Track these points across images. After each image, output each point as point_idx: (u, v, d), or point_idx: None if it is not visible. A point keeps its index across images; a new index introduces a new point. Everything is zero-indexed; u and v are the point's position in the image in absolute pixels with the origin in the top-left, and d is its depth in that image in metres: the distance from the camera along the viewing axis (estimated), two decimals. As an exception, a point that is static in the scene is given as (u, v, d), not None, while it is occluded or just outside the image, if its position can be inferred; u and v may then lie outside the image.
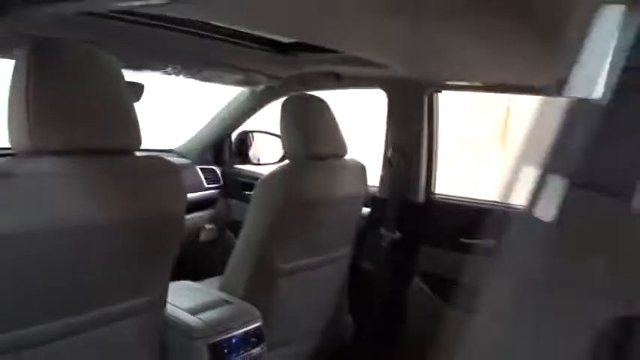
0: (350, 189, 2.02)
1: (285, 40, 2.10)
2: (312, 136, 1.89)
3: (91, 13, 1.42)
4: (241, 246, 1.86)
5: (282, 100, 1.96)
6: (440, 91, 2.21)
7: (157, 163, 1.29)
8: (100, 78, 1.17)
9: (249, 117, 2.74)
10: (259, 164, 2.84)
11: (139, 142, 1.22)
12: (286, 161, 1.96)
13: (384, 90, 2.26)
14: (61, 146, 1.09)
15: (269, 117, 2.72)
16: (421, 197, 2.29)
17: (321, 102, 1.97)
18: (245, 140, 2.79)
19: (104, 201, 1.14)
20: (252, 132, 2.80)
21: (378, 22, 1.28)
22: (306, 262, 1.92)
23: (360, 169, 2.09)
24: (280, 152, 2.73)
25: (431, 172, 2.31)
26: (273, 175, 1.82)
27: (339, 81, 2.27)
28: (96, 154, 1.14)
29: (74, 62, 1.14)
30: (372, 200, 2.34)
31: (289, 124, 1.89)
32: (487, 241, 2.27)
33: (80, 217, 1.10)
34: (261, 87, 2.46)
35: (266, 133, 2.81)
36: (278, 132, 2.63)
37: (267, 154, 2.84)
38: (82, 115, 1.12)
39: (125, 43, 1.40)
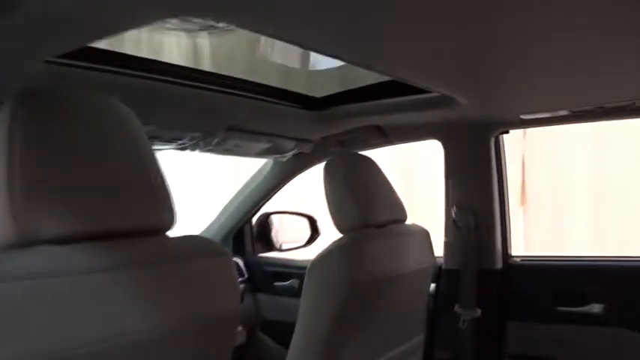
0: (417, 261, 1.64)
1: (317, 94, 1.80)
2: (367, 200, 1.54)
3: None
4: (297, 347, 1.45)
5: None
6: (507, 132, 1.86)
7: (200, 243, 0.92)
8: (116, 133, 0.83)
9: (272, 195, 2.37)
10: (286, 249, 2.45)
11: (174, 218, 0.87)
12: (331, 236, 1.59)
13: (440, 139, 1.91)
14: (61, 231, 0.73)
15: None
16: (499, 263, 1.90)
17: (370, 160, 1.64)
18: (267, 224, 2.38)
19: (137, 305, 0.76)
20: (273, 213, 2.42)
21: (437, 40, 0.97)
22: None
23: (425, 235, 1.72)
24: (308, 233, 2.38)
25: (506, 230, 1.92)
26: (328, 254, 1.44)
27: (384, 136, 1.93)
28: (115, 239, 0.78)
29: (79, 113, 0.81)
30: (439, 273, 1.94)
31: (338, 188, 1.54)
32: (594, 306, 1.84)
33: (100, 333, 0.72)
34: (288, 155, 2.12)
35: (289, 213, 2.44)
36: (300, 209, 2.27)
37: (293, 236, 2.46)
38: (91, 185, 0.77)
39: (135, 101, 1.04)
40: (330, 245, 1.49)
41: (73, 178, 0.75)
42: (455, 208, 1.91)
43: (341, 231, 1.57)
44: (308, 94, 1.79)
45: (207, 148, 1.69)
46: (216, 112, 1.60)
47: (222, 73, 1.49)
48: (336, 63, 1.66)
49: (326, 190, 1.58)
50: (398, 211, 1.62)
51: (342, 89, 1.81)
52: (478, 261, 1.88)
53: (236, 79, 1.55)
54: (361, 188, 1.55)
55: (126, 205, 0.79)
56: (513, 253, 1.95)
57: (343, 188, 1.53)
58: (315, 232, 2.38)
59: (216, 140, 1.66)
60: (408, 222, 1.66)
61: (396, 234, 1.60)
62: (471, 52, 1.16)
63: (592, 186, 3.61)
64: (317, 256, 1.46)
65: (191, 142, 1.63)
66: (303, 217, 2.38)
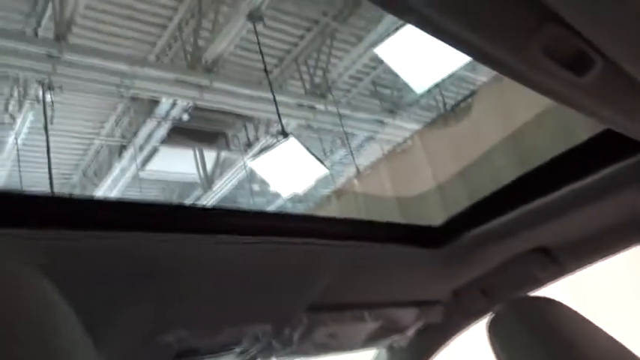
0: None
1: (433, 220, 1.14)
2: None
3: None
4: None
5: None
6: None
7: None
8: None
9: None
10: None
11: None
12: None
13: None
14: None
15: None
16: None
17: (560, 305, 0.95)
18: None
19: None
20: None
21: None
22: None
23: None
24: None
25: None
26: None
27: (554, 262, 1.19)
28: None
29: None
30: None
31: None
32: None
33: None
34: (409, 334, 1.37)
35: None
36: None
37: None
38: None
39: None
40: None
41: None
42: None
43: None
44: (421, 224, 1.14)
45: (282, 353, 0.99)
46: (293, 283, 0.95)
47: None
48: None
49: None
50: None
51: (470, 204, 1.16)
52: None
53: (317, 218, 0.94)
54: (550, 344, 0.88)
55: None
56: None
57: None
58: None
59: (297, 334, 0.97)
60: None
61: None
62: None
63: None
64: None
65: (255, 348, 0.94)
66: None
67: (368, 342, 1.24)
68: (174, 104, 6.38)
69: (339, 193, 5.73)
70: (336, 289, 1.03)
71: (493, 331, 1.02)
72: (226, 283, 0.87)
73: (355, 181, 5.63)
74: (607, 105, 0.75)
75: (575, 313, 1.03)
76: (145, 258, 0.75)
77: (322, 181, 6.93)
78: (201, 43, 5.96)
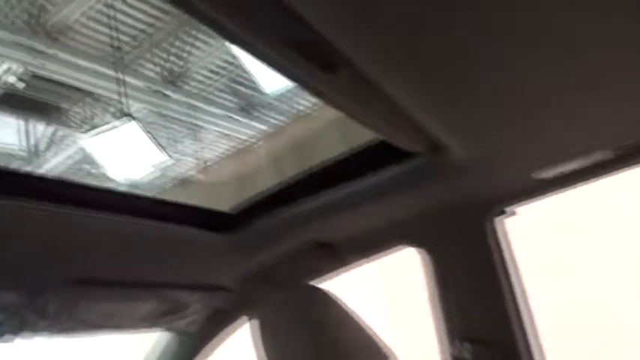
0: None
1: (225, 206, 1.16)
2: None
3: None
4: None
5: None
6: (505, 212, 1.27)
7: None
8: None
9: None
10: None
11: None
12: None
13: (420, 242, 1.28)
14: None
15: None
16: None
17: (327, 295, 1.04)
18: None
19: None
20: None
21: None
22: None
23: None
24: None
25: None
26: None
27: (334, 255, 1.28)
28: None
29: None
30: None
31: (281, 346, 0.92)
32: None
33: None
34: (190, 320, 1.37)
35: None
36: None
37: None
38: None
39: None
40: None
41: None
42: (452, 339, 1.25)
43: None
44: (213, 208, 1.17)
45: (38, 327, 0.94)
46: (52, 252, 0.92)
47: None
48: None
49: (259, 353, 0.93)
50: None
51: (260, 193, 1.20)
52: None
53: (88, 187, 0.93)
54: (316, 338, 0.94)
55: None
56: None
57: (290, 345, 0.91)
58: None
59: (53, 306, 0.93)
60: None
61: None
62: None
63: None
64: None
65: (4, 317, 0.89)
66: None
67: (147, 322, 1.22)
68: (8, 69, 5.81)
69: (181, 184, 5.62)
70: (108, 264, 1.01)
71: (261, 320, 1.04)
72: None
73: (199, 175, 5.57)
74: (363, 109, 0.83)
75: (341, 305, 1.10)
76: None
77: (167, 171, 6.73)
78: (49, 7, 5.51)
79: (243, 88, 7.88)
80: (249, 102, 7.95)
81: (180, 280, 1.20)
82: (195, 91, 7.14)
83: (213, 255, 1.21)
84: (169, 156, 5.58)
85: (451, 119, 0.88)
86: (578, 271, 2.90)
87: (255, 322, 0.98)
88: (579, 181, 1.15)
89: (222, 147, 7.54)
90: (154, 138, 5.34)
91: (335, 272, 1.35)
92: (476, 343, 1.22)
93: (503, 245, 1.29)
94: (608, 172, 1.17)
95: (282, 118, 8.11)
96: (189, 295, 1.23)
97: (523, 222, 1.31)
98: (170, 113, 6.94)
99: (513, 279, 1.28)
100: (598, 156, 1.05)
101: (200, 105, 6.90)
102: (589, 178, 1.16)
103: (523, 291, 1.30)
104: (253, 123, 7.61)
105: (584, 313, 2.89)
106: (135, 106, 6.30)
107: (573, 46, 0.74)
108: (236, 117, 7.51)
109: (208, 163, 6.04)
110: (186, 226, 1.14)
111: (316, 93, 0.77)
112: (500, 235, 1.29)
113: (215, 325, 1.37)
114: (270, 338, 1.01)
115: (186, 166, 7.59)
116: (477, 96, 0.83)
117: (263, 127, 7.30)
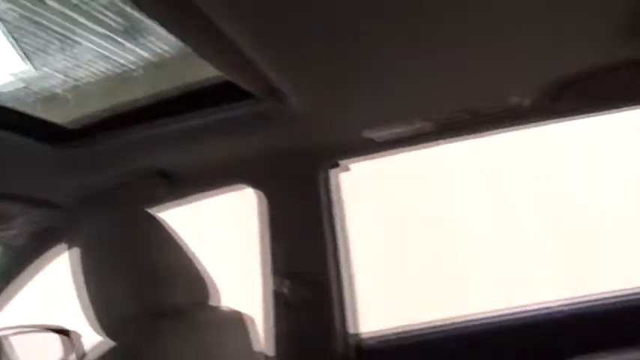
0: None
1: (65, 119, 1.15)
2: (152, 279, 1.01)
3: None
4: None
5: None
6: (338, 165, 1.38)
7: None
8: None
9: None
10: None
11: None
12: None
13: (255, 183, 1.34)
14: None
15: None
16: (344, 348, 1.36)
17: (148, 216, 1.07)
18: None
19: None
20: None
21: None
22: None
23: (246, 324, 1.15)
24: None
25: (346, 303, 1.40)
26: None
27: (170, 185, 1.31)
28: None
29: None
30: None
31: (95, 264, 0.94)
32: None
33: None
34: (15, 232, 1.35)
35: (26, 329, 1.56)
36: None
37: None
38: None
39: None
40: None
41: None
42: (281, 278, 1.35)
43: (106, 331, 0.92)
44: (50, 119, 1.14)
45: None
46: None
47: None
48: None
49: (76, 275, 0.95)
50: (200, 290, 1.04)
51: (105, 112, 1.20)
52: (319, 348, 1.33)
53: None
54: (137, 261, 0.98)
55: None
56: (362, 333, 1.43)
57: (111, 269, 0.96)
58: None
59: None
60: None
61: (201, 324, 1.00)
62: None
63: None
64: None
65: None
66: (51, 333, 1.54)
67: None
68: None
69: (44, 100, 5.23)
70: None
71: (83, 245, 1.03)
72: None
73: (67, 93, 5.20)
74: (204, 46, 0.86)
75: (168, 230, 1.13)
76: None
77: (31, 84, 6.22)
78: None
79: (129, 9, 7.42)
80: (135, 26, 7.52)
81: (8, 190, 1.17)
82: (76, 1, 6.60)
83: (46, 168, 1.19)
84: (35, 67, 5.15)
85: (289, 65, 0.92)
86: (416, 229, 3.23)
87: (75, 251, 0.99)
88: (404, 147, 1.27)
89: (97, 68, 7.11)
90: (18, 45, 4.89)
91: (173, 203, 1.38)
92: (295, 280, 1.33)
93: (334, 196, 1.40)
94: (432, 141, 1.30)
95: (166, 48, 7.78)
96: (15, 207, 1.20)
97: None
98: (43, 21, 6.39)
99: (338, 228, 1.39)
100: (420, 125, 1.17)
101: (79, 18, 6.42)
102: (414, 145, 1.29)
103: (346, 239, 1.43)
104: (137, 49, 7.24)
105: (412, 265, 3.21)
106: (1, 5, 5.71)
107: (414, 21, 0.80)
108: (119, 39, 7.10)
109: (78, 83, 5.67)
110: (19, 134, 1.10)
111: (164, 26, 0.78)
112: (332, 186, 1.39)
113: (41, 242, 1.35)
114: (90, 264, 1.00)
115: (54, 82, 7.08)
116: (317, 47, 0.87)
117: (146, 55, 6.97)
